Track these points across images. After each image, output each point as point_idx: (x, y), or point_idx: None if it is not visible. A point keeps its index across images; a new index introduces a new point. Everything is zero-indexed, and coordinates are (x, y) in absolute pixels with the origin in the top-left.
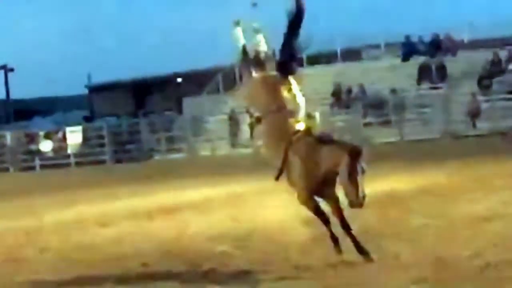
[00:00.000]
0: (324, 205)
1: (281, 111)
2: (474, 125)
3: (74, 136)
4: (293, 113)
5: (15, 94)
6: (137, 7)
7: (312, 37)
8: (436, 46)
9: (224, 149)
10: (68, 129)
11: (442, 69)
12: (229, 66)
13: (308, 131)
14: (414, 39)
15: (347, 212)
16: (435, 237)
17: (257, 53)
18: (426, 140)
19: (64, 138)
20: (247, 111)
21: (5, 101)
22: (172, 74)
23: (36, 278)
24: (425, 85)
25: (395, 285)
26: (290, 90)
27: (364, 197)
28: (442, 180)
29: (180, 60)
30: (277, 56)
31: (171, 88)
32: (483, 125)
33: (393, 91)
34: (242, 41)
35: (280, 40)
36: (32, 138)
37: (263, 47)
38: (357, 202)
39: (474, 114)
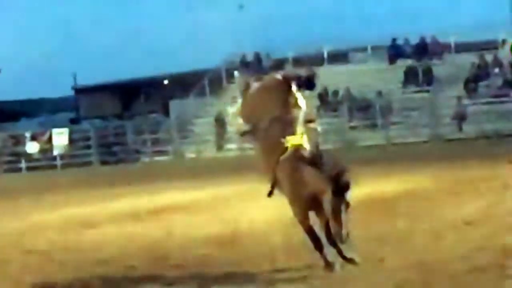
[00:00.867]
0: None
1: (281, 120)
2: (460, 128)
3: (60, 138)
4: (292, 123)
5: (1, 96)
6: (125, 9)
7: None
8: (422, 49)
9: (210, 151)
10: (54, 131)
11: (428, 72)
12: (215, 69)
13: (297, 149)
14: (401, 42)
15: None
16: (420, 240)
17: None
18: (412, 143)
19: (50, 140)
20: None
21: None
22: (159, 76)
23: (20, 280)
24: (412, 88)
25: None
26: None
27: (347, 234)
28: (428, 183)
29: (167, 63)
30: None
31: (158, 91)
32: (469, 129)
33: (380, 94)
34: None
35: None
36: (18, 140)
37: None
38: (339, 238)
39: (460, 118)
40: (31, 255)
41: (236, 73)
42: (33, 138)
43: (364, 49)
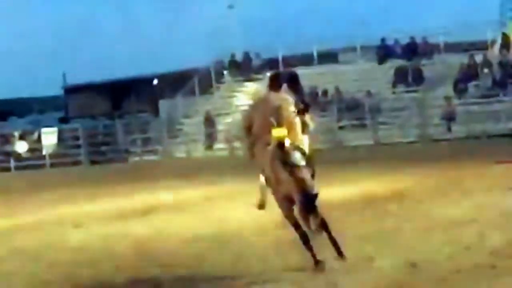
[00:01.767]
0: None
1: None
2: (449, 129)
3: (49, 137)
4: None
5: None
6: (115, 8)
7: None
8: (412, 49)
9: (200, 151)
10: (43, 130)
11: (418, 72)
12: (205, 68)
13: (280, 143)
14: (390, 42)
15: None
16: (409, 240)
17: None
18: (401, 143)
19: (39, 139)
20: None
21: None
22: (148, 75)
23: (9, 279)
24: (401, 88)
25: None
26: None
27: (316, 230)
28: (417, 183)
29: (157, 62)
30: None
31: (147, 90)
32: (458, 129)
33: (369, 94)
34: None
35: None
36: (7, 139)
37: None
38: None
39: (450, 118)
40: (19, 253)
41: (225, 72)
42: (22, 137)
43: (353, 49)
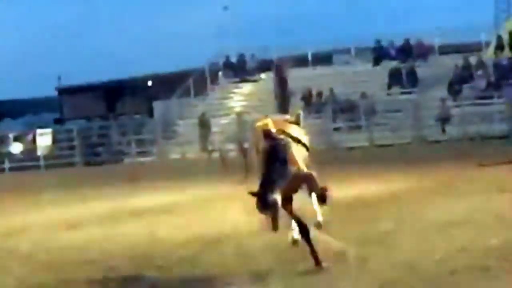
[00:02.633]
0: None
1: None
2: (443, 130)
3: (44, 139)
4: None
5: None
6: (109, 10)
7: None
8: (406, 51)
9: (194, 152)
10: (38, 131)
11: (412, 74)
12: (199, 70)
13: (265, 130)
14: (385, 44)
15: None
16: (403, 242)
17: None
18: (396, 145)
19: (34, 140)
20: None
21: None
22: (143, 77)
23: (1, 279)
24: (396, 90)
25: None
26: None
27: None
28: (412, 185)
29: (151, 63)
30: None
31: (142, 91)
32: (452, 130)
33: (364, 95)
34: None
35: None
36: (2, 140)
37: None
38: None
39: (444, 119)
40: (13, 255)
41: (220, 74)
42: (17, 138)
43: (348, 51)
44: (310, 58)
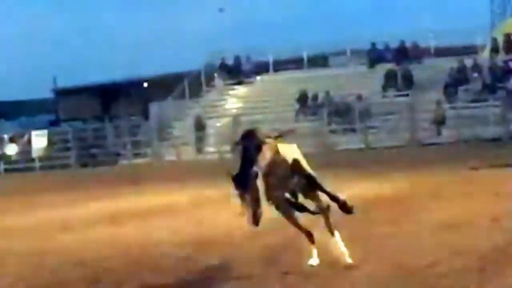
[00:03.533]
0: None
1: None
2: (439, 133)
3: (39, 140)
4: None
5: None
6: (104, 10)
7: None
8: (402, 53)
9: (190, 154)
10: (33, 133)
11: (408, 76)
12: (195, 72)
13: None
14: (380, 46)
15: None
16: (397, 245)
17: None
18: (391, 147)
19: (29, 142)
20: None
21: None
22: (139, 78)
23: None
24: (391, 92)
25: None
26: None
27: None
28: (406, 187)
29: (147, 65)
30: None
31: (137, 93)
32: (448, 133)
33: (359, 98)
34: None
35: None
36: None
37: None
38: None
39: (439, 122)
40: (8, 257)
41: (216, 76)
42: (12, 140)
43: (343, 53)
44: (305, 60)
